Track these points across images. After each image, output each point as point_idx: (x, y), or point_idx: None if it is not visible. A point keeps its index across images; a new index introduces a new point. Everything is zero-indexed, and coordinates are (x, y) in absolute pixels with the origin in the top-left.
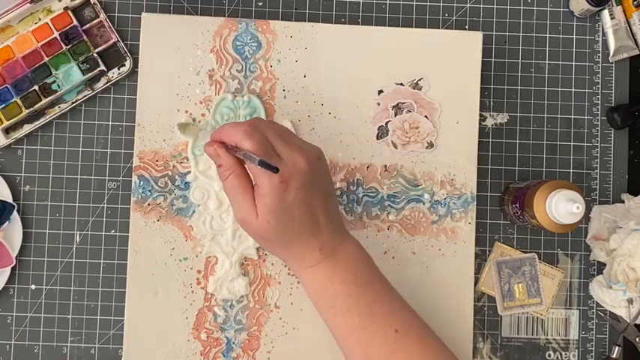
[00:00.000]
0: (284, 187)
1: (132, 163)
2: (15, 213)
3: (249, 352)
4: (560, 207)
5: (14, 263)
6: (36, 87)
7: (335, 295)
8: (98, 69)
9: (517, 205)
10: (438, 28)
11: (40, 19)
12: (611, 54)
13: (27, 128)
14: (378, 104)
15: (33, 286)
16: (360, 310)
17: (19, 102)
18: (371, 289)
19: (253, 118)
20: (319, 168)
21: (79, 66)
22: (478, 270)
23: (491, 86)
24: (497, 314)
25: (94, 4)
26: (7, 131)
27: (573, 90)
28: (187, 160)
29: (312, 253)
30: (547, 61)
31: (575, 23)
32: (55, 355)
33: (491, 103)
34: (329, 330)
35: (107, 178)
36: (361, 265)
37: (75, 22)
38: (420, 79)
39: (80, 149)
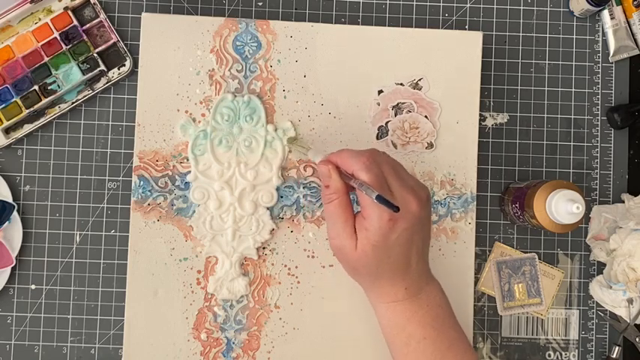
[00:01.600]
0: (392, 225)
1: (132, 163)
2: (15, 213)
3: (249, 352)
4: (560, 207)
5: (14, 263)
6: (36, 87)
7: (411, 335)
8: (98, 69)
9: (517, 205)
10: (438, 28)
11: (40, 19)
12: (611, 54)
13: (27, 128)
14: (378, 104)
15: (33, 286)
16: (435, 355)
17: (19, 102)
18: (447, 335)
19: (372, 150)
20: (427, 211)
21: (79, 66)
22: (478, 270)
23: (491, 86)
24: (497, 314)
25: (94, 4)
26: (7, 131)
27: (573, 90)
28: (187, 160)
29: (397, 290)
30: (547, 61)
31: (575, 23)
32: (55, 355)
33: (491, 103)
34: None
35: (107, 178)
36: (441, 309)
37: (75, 22)
38: (420, 79)
39: (80, 149)
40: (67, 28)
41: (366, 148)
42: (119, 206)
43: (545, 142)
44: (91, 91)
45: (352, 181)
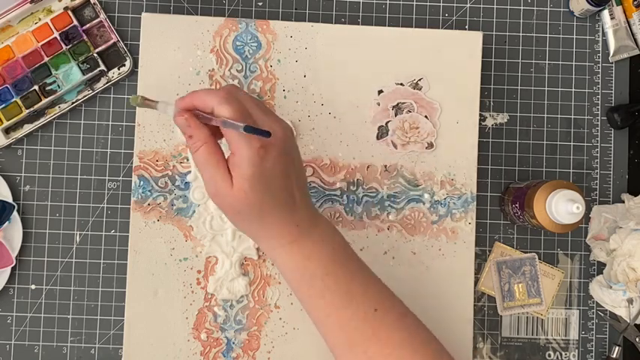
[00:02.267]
0: (263, 153)
1: (132, 163)
2: (15, 213)
3: (249, 352)
4: (560, 207)
5: (14, 263)
6: (36, 87)
7: (313, 274)
8: (98, 69)
9: (517, 205)
10: (438, 28)
11: (40, 19)
12: (611, 54)
13: (27, 128)
14: (378, 104)
15: (33, 286)
16: (340, 289)
17: (19, 102)
18: (348, 267)
19: (228, 85)
20: (293, 142)
21: (79, 66)
22: (478, 270)
23: (492, 86)
24: (497, 314)
25: (94, 4)
26: (7, 131)
27: (573, 90)
28: (187, 160)
29: (289, 229)
30: (547, 61)
31: (575, 23)
32: (55, 355)
33: (491, 103)
34: (307, 314)
35: (107, 178)
36: (337, 243)
37: (75, 22)
38: (420, 79)
39: (80, 149)
40: (67, 28)
41: (224, 85)
42: (119, 206)
43: (545, 142)
44: (91, 91)
45: (214, 120)
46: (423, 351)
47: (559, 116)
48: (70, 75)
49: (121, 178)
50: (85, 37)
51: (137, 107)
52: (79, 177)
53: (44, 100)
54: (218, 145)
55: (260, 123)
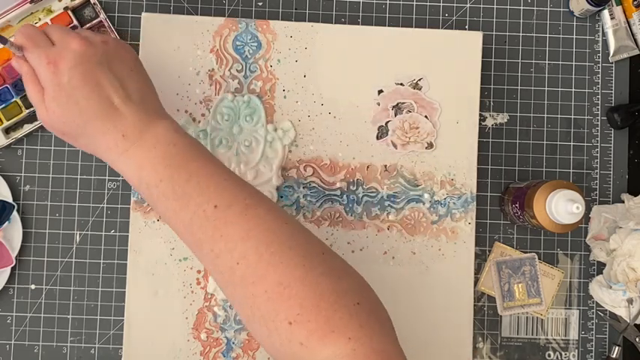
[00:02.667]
0: (53, 69)
1: None
2: (15, 213)
3: (249, 352)
4: (560, 207)
5: (14, 263)
6: None
7: (149, 183)
8: None
9: (517, 205)
10: (438, 28)
11: (40, 19)
12: (611, 54)
13: (27, 128)
14: (378, 104)
15: (33, 286)
16: (176, 192)
17: (19, 102)
18: (184, 169)
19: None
20: (104, 49)
21: None
22: (478, 270)
23: (491, 86)
24: (497, 314)
25: (94, 4)
26: (7, 131)
27: (573, 90)
28: None
29: (115, 140)
30: (547, 61)
31: (575, 23)
32: (55, 355)
33: (491, 103)
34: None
35: (107, 178)
36: (174, 146)
37: (75, 22)
38: (420, 79)
39: (80, 149)
40: None
41: None
42: (119, 206)
43: (545, 142)
44: None
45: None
46: (269, 239)
47: (559, 116)
48: None
49: (121, 178)
50: None
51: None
52: (78, 177)
53: None
54: (35, 75)
55: (56, 39)
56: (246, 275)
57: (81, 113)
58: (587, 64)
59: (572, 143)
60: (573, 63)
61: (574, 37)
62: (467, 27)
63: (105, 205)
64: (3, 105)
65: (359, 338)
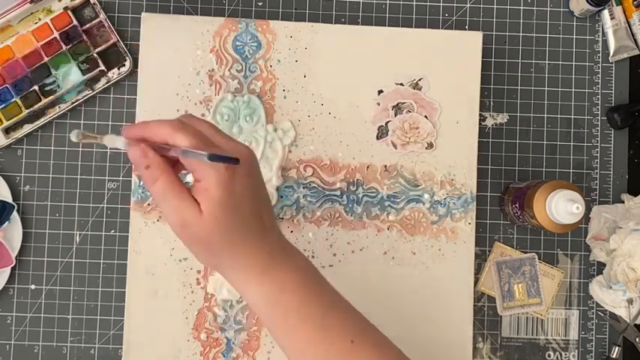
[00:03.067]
0: (231, 173)
1: (132, 163)
2: (15, 213)
3: (249, 352)
4: (560, 207)
5: (14, 263)
6: (36, 87)
7: (288, 306)
8: (98, 69)
9: (517, 205)
10: (438, 28)
11: (40, 19)
12: (611, 54)
13: (27, 128)
14: (378, 104)
15: (33, 286)
16: (315, 321)
17: (19, 102)
18: (323, 298)
19: (181, 115)
20: (258, 165)
21: (79, 66)
22: (478, 270)
23: (491, 86)
24: (497, 314)
25: (94, 4)
26: (7, 131)
27: (573, 90)
28: None
29: (260, 257)
30: (547, 61)
31: (575, 23)
32: (55, 355)
33: (491, 103)
34: (282, 349)
35: (107, 178)
36: (310, 272)
37: (75, 22)
38: (420, 79)
39: (80, 149)
40: (66, 28)
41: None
42: (119, 206)
43: (545, 142)
44: (91, 91)
45: (172, 150)
46: None
47: (559, 116)
48: (69, 75)
49: (120, 178)
50: (85, 37)
51: (80, 144)
52: (78, 177)
53: (44, 100)
54: (177, 176)
55: (222, 146)
56: None
57: (240, 227)
58: (587, 64)
59: (572, 143)
60: (573, 63)
61: (574, 37)
62: (467, 27)
63: (105, 205)
64: (3, 105)
65: None
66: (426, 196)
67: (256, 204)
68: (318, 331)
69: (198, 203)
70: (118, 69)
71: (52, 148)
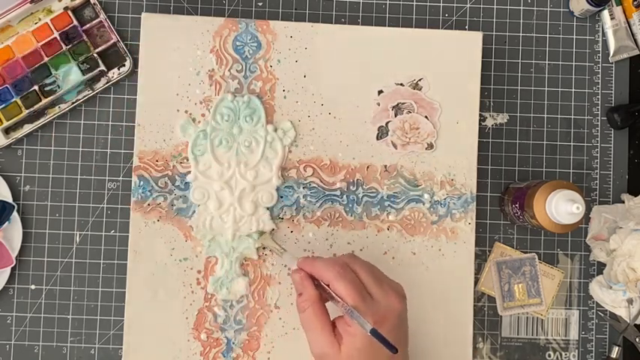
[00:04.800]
0: (378, 327)
1: (132, 163)
2: (15, 213)
3: (249, 352)
4: (560, 207)
5: (14, 263)
6: (36, 87)
7: None
8: (98, 69)
9: (517, 205)
10: (438, 28)
11: (40, 19)
12: (611, 54)
13: (27, 128)
14: (378, 104)
15: (33, 286)
16: None
17: (19, 102)
18: None
19: (346, 256)
20: (406, 310)
21: (79, 66)
22: (478, 270)
23: (491, 86)
24: (497, 314)
25: (94, 4)
26: (7, 131)
27: (573, 90)
28: (187, 160)
29: None
30: (547, 61)
31: (575, 23)
32: (55, 355)
33: (491, 103)
34: None
35: (107, 178)
36: None
37: (75, 22)
38: (420, 79)
39: (80, 149)
40: (67, 28)
41: (342, 255)
42: (119, 206)
43: (545, 142)
44: (91, 91)
45: (340, 304)
46: None
47: (559, 116)
48: (69, 75)
49: (121, 178)
50: (85, 37)
51: (263, 245)
52: (78, 177)
53: (44, 100)
54: (325, 308)
55: (375, 293)
56: None
57: None
58: (587, 64)
59: (572, 143)
60: (573, 63)
61: (574, 37)
62: (467, 27)
63: (105, 206)
64: (3, 105)
65: None
66: (426, 196)
67: (399, 345)
68: None
69: (338, 340)
70: (118, 69)
71: (52, 148)
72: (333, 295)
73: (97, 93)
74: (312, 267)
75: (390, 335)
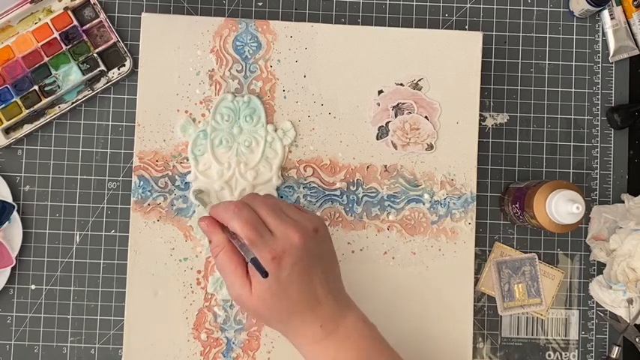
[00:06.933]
0: (277, 264)
1: (132, 163)
2: (15, 213)
3: (249, 352)
4: (560, 207)
5: (14, 263)
6: (36, 87)
7: None
8: (98, 69)
9: (517, 205)
10: (438, 28)
11: (40, 19)
12: (611, 54)
13: (27, 128)
14: (378, 104)
15: (33, 286)
16: None
17: (19, 102)
18: None
19: (247, 195)
20: (317, 241)
21: (79, 66)
22: (478, 270)
23: (491, 86)
24: (497, 314)
25: (94, 4)
26: (7, 131)
27: (573, 90)
28: (187, 160)
29: (312, 330)
30: (547, 61)
31: (575, 23)
32: (55, 355)
33: (491, 103)
34: None
35: (107, 178)
36: (365, 340)
37: (75, 22)
38: (420, 79)
39: (80, 149)
40: (67, 28)
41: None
42: (119, 206)
43: (545, 142)
44: (91, 91)
45: (229, 235)
46: None
47: (559, 116)
48: (69, 75)
49: (121, 178)
50: (85, 37)
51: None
52: (79, 177)
53: (44, 100)
54: (236, 250)
55: (275, 229)
56: None
57: (289, 305)
58: (587, 64)
59: (572, 143)
60: (573, 63)
61: (574, 37)
62: (467, 27)
63: (105, 206)
64: (3, 105)
65: None
66: (426, 196)
67: (307, 284)
68: None
69: (250, 280)
70: (118, 69)
71: (52, 148)
72: (231, 238)
73: (97, 93)
74: (214, 212)
75: (294, 269)
